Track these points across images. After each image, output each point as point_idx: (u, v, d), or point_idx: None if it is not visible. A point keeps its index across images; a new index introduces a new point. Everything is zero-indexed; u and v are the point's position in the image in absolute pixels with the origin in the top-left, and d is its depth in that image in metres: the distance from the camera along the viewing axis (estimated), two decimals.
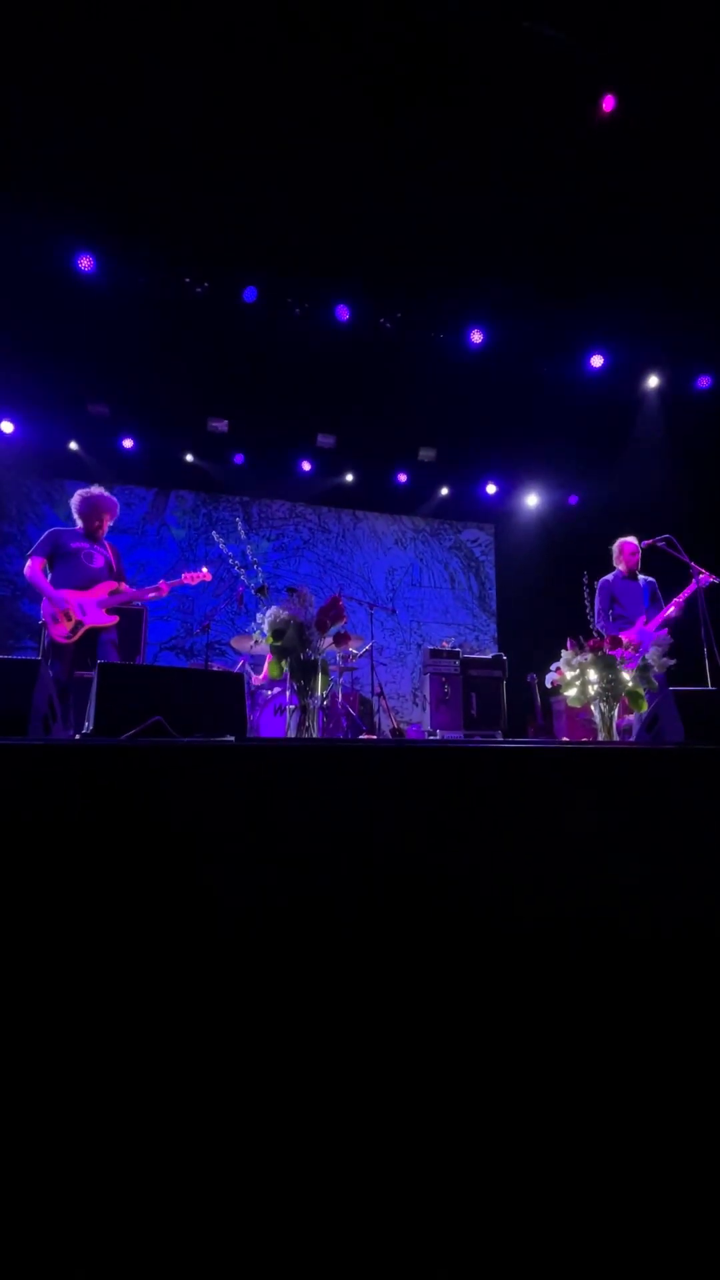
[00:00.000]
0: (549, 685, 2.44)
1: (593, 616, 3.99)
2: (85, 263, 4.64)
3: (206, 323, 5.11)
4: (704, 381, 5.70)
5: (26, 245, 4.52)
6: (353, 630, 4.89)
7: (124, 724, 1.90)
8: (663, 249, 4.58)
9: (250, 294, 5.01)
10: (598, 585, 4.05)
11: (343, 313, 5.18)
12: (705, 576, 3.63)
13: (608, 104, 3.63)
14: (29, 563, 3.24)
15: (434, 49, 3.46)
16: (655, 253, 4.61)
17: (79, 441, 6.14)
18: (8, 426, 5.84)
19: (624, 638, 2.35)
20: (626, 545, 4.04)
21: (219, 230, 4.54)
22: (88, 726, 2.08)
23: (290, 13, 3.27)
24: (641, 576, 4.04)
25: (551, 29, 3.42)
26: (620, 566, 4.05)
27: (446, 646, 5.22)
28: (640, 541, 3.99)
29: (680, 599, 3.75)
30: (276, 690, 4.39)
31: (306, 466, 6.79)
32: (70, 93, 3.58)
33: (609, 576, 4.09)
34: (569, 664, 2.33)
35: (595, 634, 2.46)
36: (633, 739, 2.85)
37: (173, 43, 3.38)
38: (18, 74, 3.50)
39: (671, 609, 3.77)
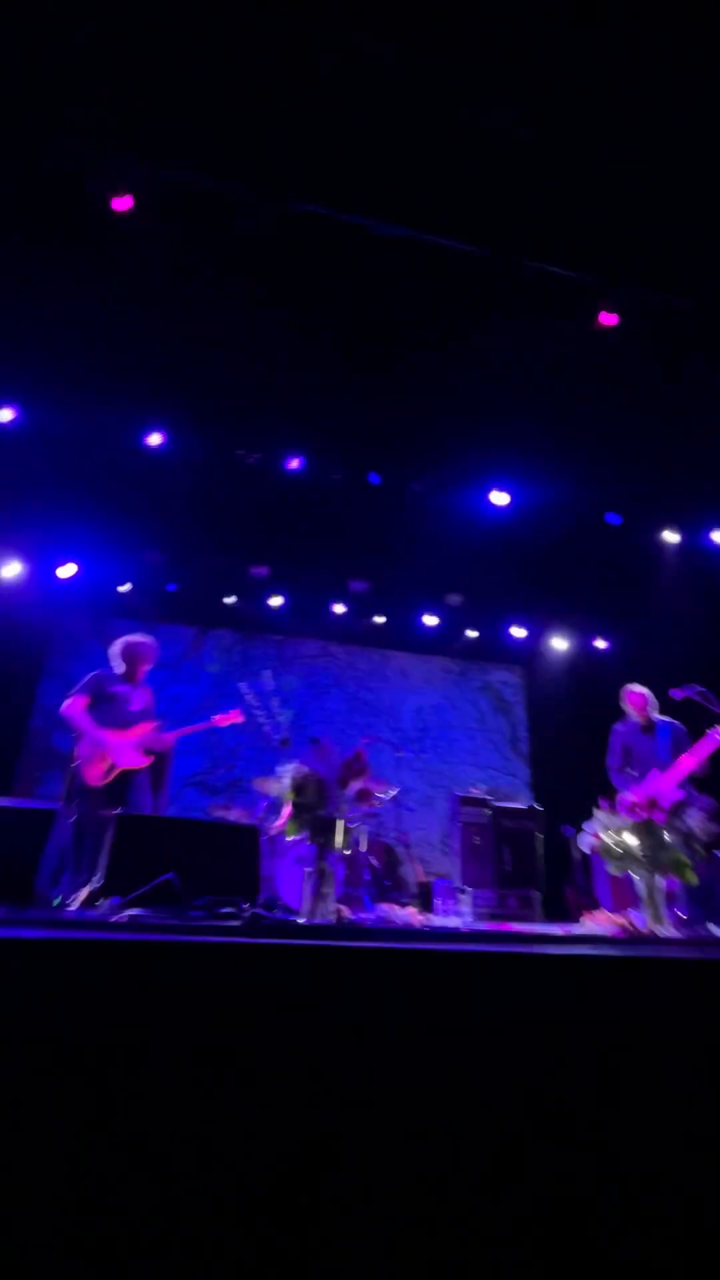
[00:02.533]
0: (585, 850, 2.28)
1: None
2: (155, 438, 5.34)
3: (253, 486, 5.71)
4: (718, 536, 5.95)
5: (108, 419, 5.28)
6: (379, 773, 4.76)
7: (136, 878, 1.83)
8: (639, 418, 5.06)
9: (294, 462, 5.64)
10: (610, 733, 3.87)
11: (374, 478, 5.74)
12: None
13: (608, 319, 4.23)
14: (71, 700, 3.31)
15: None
16: (651, 419, 5.08)
17: (131, 583, 6.63)
18: (71, 569, 6.39)
19: (634, 794, 2.21)
20: (631, 694, 3.82)
21: (266, 412, 5.25)
22: (98, 879, 2.01)
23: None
24: (663, 721, 3.79)
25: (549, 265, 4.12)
26: (632, 715, 3.88)
27: (477, 793, 5.00)
28: (670, 691, 3.90)
29: (703, 754, 3.30)
30: (297, 837, 4.21)
31: (339, 609, 7.11)
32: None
33: (620, 725, 3.86)
34: (605, 829, 2.19)
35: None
36: (681, 910, 2.57)
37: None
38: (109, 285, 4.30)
39: (693, 764, 3.30)
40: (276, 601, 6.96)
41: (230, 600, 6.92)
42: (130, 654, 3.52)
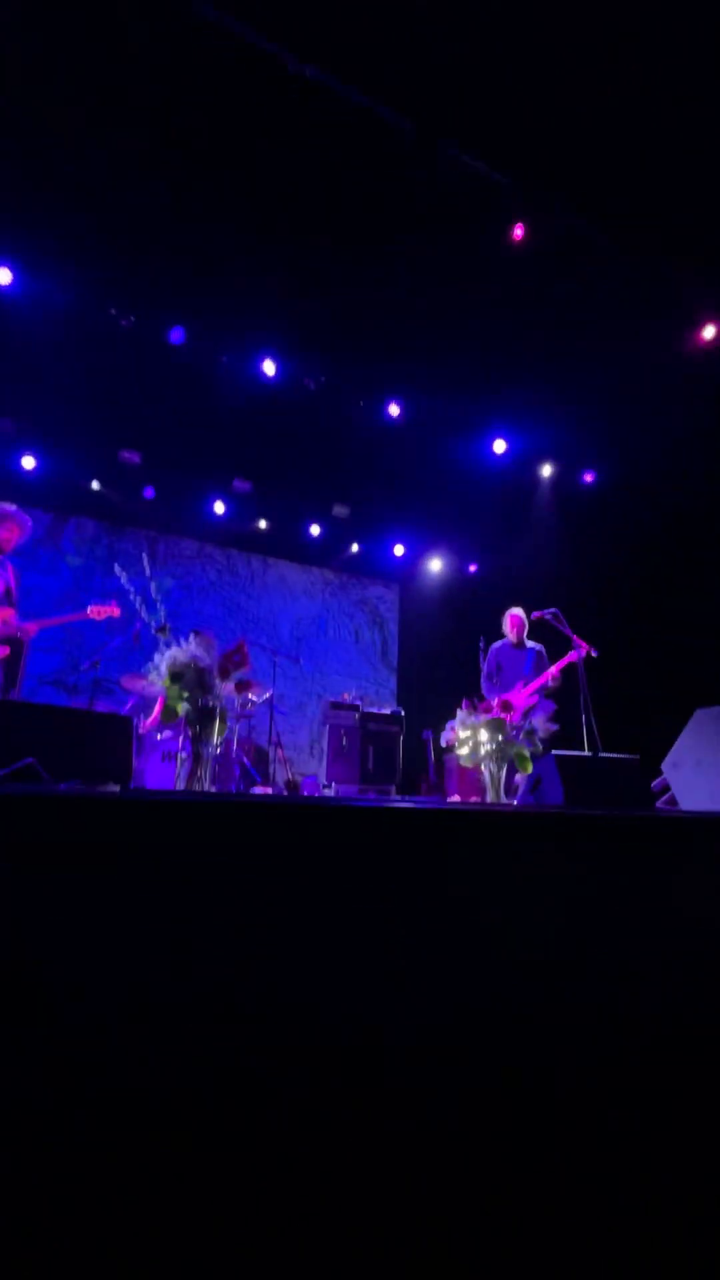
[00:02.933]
0: (443, 744, 2.51)
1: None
2: (3, 275, 4.45)
3: (130, 355, 5.04)
4: (589, 476, 6.42)
5: None
6: (255, 677, 4.79)
7: None
8: (558, 358, 5.20)
9: (178, 335, 5.04)
10: (488, 650, 4.33)
11: (268, 367, 5.33)
12: (579, 652, 3.96)
13: (518, 230, 4.14)
14: None
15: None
16: (552, 361, 5.22)
17: None
18: None
19: (496, 700, 2.49)
20: (512, 616, 4.38)
21: (149, 267, 4.57)
22: None
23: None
24: (531, 644, 4.35)
25: (471, 158, 3.90)
26: (509, 635, 4.36)
27: (347, 699, 5.24)
28: (530, 614, 4.32)
29: (555, 669, 4.07)
30: (166, 734, 4.16)
31: (220, 508, 6.75)
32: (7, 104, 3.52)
33: (497, 643, 4.39)
34: (463, 724, 2.41)
35: (480, 695, 2.59)
36: (517, 799, 2.98)
37: (110, 78, 3.45)
38: None
39: (546, 678, 4.08)
40: (150, 492, 6.41)
41: (96, 486, 6.26)
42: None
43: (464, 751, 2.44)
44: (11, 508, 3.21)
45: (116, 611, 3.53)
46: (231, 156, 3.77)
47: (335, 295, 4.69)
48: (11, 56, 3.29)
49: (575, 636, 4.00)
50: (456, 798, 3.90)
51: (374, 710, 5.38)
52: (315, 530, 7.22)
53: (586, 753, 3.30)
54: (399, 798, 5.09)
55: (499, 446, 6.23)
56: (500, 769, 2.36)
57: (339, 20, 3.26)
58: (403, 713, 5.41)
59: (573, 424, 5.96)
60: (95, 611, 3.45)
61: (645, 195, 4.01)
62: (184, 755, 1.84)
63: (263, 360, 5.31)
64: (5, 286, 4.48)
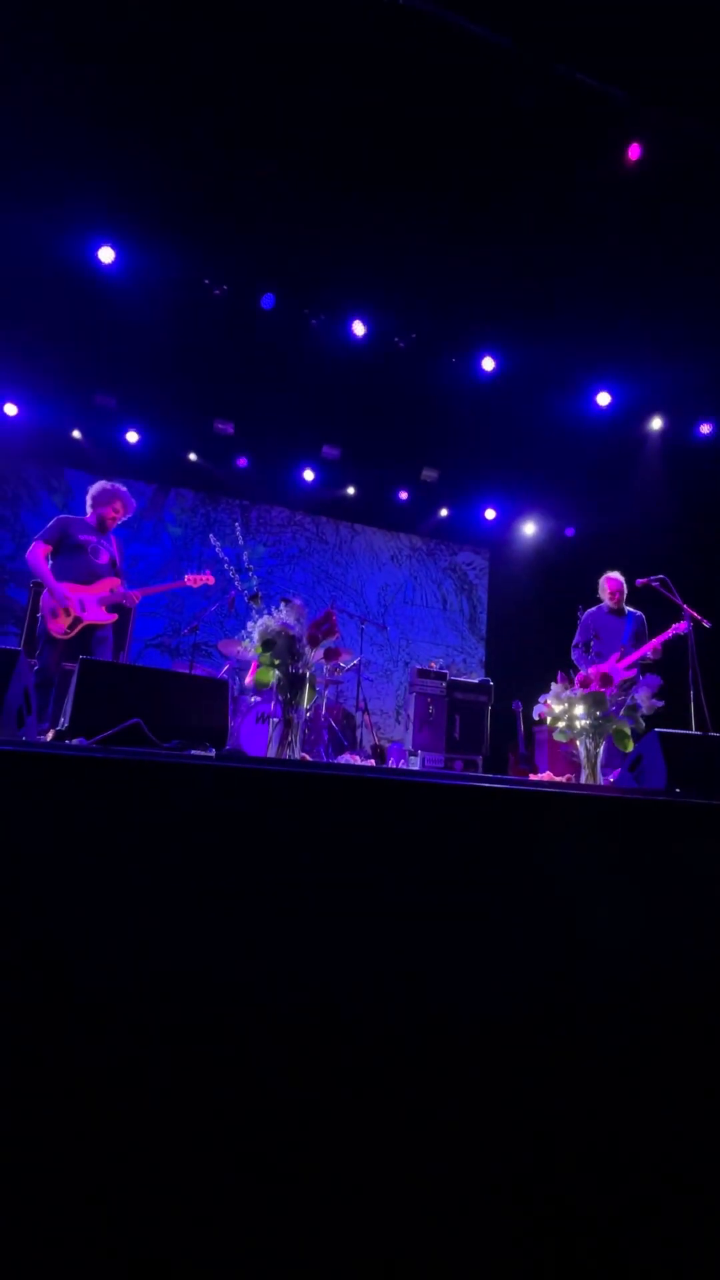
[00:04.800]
0: (536, 717, 2.42)
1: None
2: (106, 254, 4.62)
3: (222, 325, 5.11)
4: (706, 428, 5.80)
5: (47, 230, 4.50)
6: (342, 644, 4.85)
7: (101, 724, 1.85)
8: (673, 298, 4.67)
9: (268, 301, 5.03)
10: (581, 617, 4.07)
11: (358, 328, 5.21)
12: (685, 623, 3.63)
13: (634, 152, 3.71)
14: (34, 546, 3.16)
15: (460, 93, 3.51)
16: (665, 301, 4.70)
17: (82, 430, 6.10)
18: (11, 409, 5.78)
19: (593, 671, 2.34)
20: (610, 580, 4.04)
21: (241, 235, 4.57)
22: (63, 723, 2.02)
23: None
24: (631, 611, 4.04)
25: (583, 74, 3.50)
26: (605, 600, 4.07)
27: (434, 667, 5.19)
28: (634, 580, 4.02)
29: (657, 641, 3.74)
30: (260, 698, 4.34)
31: (309, 476, 6.79)
32: (103, 80, 3.58)
33: (593, 609, 4.10)
34: (557, 698, 2.31)
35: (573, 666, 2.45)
36: (614, 778, 2.83)
37: (210, 44, 3.40)
38: (51, 60, 3.49)
39: (648, 650, 3.77)
40: (243, 462, 6.56)
41: (193, 458, 6.49)
42: (105, 498, 3.33)
43: (559, 726, 2.34)
44: (121, 488, 3.39)
45: (211, 580, 3.68)
46: (317, 102, 3.62)
47: (427, 245, 4.46)
48: (103, 38, 3.32)
49: (686, 606, 3.70)
50: (548, 774, 3.75)
51: (462, 679, 5.31)
52: (404, 495, 7.10)
53: (694, 732, 3.07)
54: (487, 776, 5.02)
55: (603, 399, 5.76)
56: (597, 746, 2.24)
57: None
58: (491, 682, 5.29)
59: (687, 370, 5.37)
60: (191, 580, 3.62)
61: None
62: (275, 720, 1.90)
63: (352, 321, 5.20)
64: (107, 265, 4.65)
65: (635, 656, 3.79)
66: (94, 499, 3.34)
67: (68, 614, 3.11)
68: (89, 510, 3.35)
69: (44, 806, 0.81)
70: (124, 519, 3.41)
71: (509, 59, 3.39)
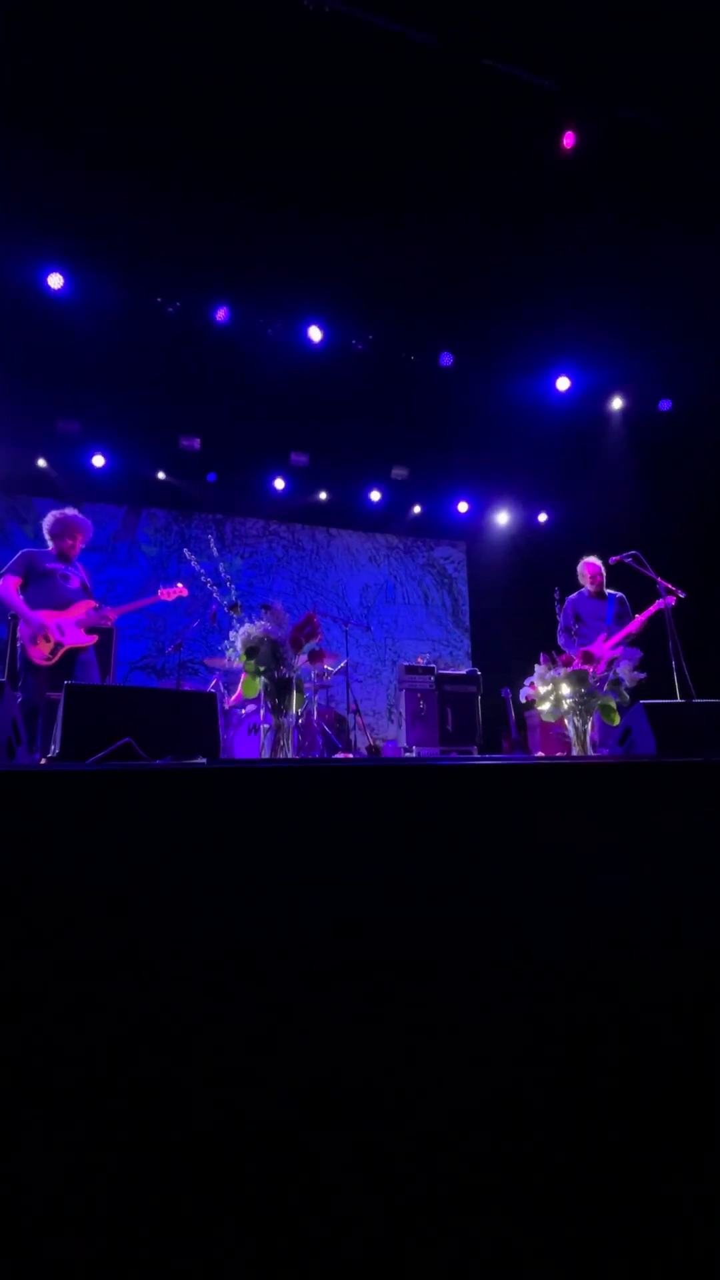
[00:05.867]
0: (523, 700, 2.46)
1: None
2: (55, 280, 4.61)
3: (178, 341, 5.12)
4: (665, 404, 5.92)
5: None
6: (328, 648, 4.88)
7: (92, 746, 1.84)
8: (623, 280, 4.76)
9: (223, 314, 5.04)
10: (564, 602, 4.13)
11: (314, 333, 5.25)
12: (667, 599, 3.69)
13: (568, 140, 3.78)
14: (3, 581, 3.15)
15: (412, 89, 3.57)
16: (615, 283, 4.79)
17: (48, 458, 6.05)
18: None
19: (577, 652, 2.38)
20: (589, 565, 4.10)
21: (190, 251, 4.58)
22: (54, 750, 2.01)
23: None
24: (611, 592, 4.10)
25: (512, 67, 3.58)
26: (585, 585, 4.12)
27: (421, 663, 5.23)
28: (608, 559, 4.08)
29: (642, 618, 3.80)
30: (250, 709, 4.33)
31: (280, 484, 6.80)
32: (41, 107, 3.59)
33: (574, 594, 4.17)
34: (542, 679, 2.34)
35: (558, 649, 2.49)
36: (605, 752, 2.88)
37: (148, 56, 3.42)
38: None
39: (632, 628, 3.83)
40: (212, 477, 6.55)
41: (162, 476, 6.47)
42: (62, 528, 3.32)
43: (545, 707, 2.37)
44: (73, 515, 3.37)
45: (184, 591, 3.68)
46: (249, 109, 3.64)
47: (374, 247, 4.51)
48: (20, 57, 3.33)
49: (660, 580, 3.76)
50: (541, 754, 3.81)
51: (450, 671, 5.35)
52: (375, 496, 7.14)
53: (678, 700, 3.13)
54: (480, 754, 5.05)
55: (562, 384, 5.85)
56: (585, 723, 2.28)
57: None
58: (479, 672, 5.34)
59: (642, 349, 5.48)
60: (165, 593, 3.62)
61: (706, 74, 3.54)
62: (266, 726, 1.91)
63: (308, 327, 5.23)
64: (57, 290, 4.63)
65: (620, 636, 3.85)
66: (50, 533, 3.34)
67: (48, 640, 3.09)
68: (49, 544, 3.35)
69: (37, 825, 0.81)
70: (84, 544, 3.41)
71: (435, 56, 3.45)
